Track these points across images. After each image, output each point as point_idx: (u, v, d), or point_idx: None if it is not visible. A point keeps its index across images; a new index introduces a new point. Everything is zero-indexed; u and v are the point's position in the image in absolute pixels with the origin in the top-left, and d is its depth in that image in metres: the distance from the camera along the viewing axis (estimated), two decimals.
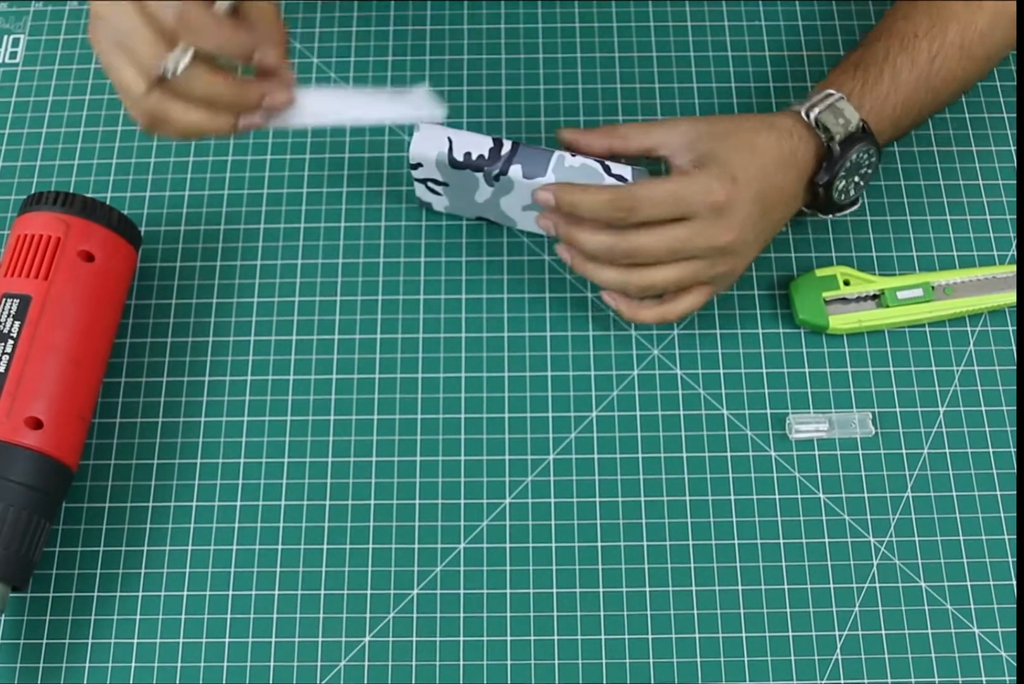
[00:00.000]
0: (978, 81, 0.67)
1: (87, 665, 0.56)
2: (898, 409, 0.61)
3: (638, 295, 0.58)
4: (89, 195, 0.67)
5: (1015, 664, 0.56)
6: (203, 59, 0.50)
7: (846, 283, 0.63)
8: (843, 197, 0.60)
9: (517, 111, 0.69)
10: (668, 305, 0.59)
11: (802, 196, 0.59)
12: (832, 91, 0.58)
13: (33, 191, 0.68)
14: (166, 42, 0.49)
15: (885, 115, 0.60)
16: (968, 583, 0.57)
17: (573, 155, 0.59)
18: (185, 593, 0.58)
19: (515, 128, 0.69)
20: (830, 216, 0.62)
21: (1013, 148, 0.68)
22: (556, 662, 0.56)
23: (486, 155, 0.59)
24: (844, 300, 0.63)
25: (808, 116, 0.57)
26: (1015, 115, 0.69)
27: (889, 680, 0.56)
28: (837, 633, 0.57)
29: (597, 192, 0.54)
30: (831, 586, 0.57)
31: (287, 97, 0.53)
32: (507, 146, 0.59)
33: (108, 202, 0.67)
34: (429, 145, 0.60)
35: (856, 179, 0.59)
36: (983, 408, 0.61)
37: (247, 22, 0.51)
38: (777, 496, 0.59)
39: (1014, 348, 0.63)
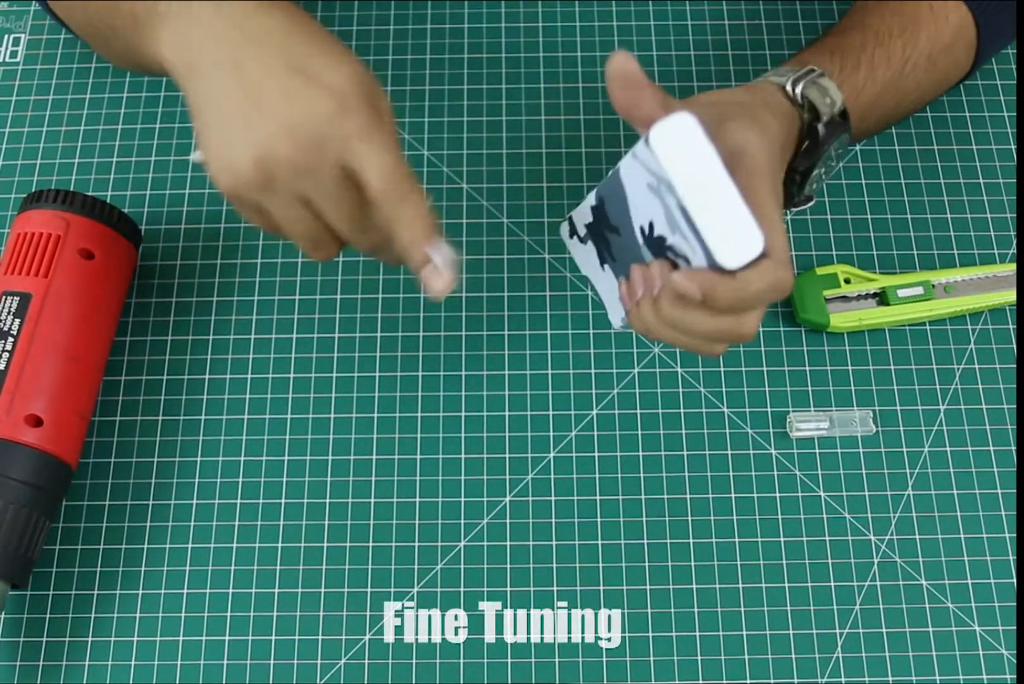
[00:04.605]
0: (934, 97, 0.63)
1: (87, 663, 0.56)
2: (899, 407, 0.61)
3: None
4: (89, 193, 0.67)
5: (1016, 662, 0.56)
6: None
7: (847, 281, 0.63)
8: (810, 189, 0.54)
9: (517, 110, 0.69)
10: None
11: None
12: (814, 67, 0.52)
13: (33, 189, 0.68)
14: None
15: (859, 107, 0.54)
16: (969, 581, 0.57)
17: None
18: (185, 591, 0.58)
19: (515, 127, 0.69)
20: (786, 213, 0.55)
21: (1013, 146, 0.68)
22: (556, 660, 0.56)
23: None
24: (845, 298, 0.63)
25: (794, 91, 0.51)
26: (1015, 113, 0.69)
27: (890, 678, 0.56)
28: (838, 631, 0.56)
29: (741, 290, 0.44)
30: (832, 584, 0.57)
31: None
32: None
33: (108, 200, 0.67)
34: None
35: (823, 171, 0.54)
36: (984, 406, 0.61)
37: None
38: (778, 494, 0.59)
39: (1015, 346, 0.63)
